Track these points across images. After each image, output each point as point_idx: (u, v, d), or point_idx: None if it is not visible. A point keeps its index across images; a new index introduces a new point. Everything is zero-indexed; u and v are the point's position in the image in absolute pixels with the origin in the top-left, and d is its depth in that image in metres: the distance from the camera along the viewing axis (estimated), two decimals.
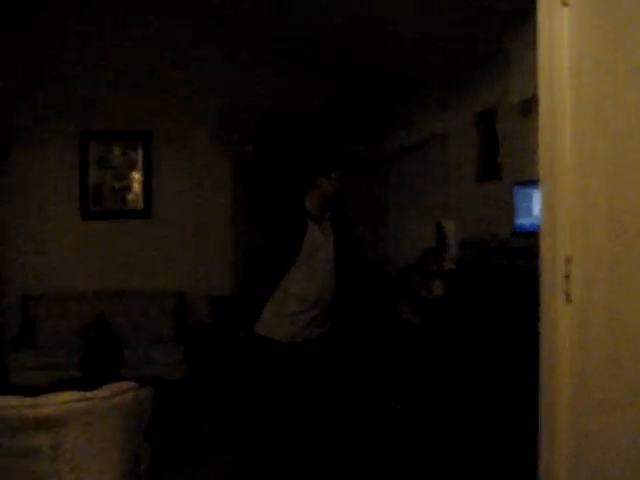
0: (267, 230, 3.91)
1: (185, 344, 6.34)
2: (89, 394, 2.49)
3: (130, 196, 7.09)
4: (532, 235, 3.57)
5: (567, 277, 1.99)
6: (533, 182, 3.85)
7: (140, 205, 7.08)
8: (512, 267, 3.52)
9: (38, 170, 6.84)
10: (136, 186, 7.09)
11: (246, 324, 3.81)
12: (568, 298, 1.98)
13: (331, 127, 7.17)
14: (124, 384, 2.60)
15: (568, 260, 1.98)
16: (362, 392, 4.95)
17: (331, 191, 3.75)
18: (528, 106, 4.27)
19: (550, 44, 2.09)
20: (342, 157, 3.90)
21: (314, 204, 3.77)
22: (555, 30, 2.05)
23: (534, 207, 3.81)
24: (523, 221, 3.97)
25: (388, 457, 4.29)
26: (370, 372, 4.92)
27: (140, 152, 7.05)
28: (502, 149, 4.78)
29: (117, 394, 2.54)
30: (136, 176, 7.08)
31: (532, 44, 3.81)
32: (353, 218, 4.09)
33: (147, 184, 7.06)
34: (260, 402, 3.80)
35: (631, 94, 1.74)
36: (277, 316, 3.72)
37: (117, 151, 7.05)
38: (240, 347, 3.87)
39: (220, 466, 4.57)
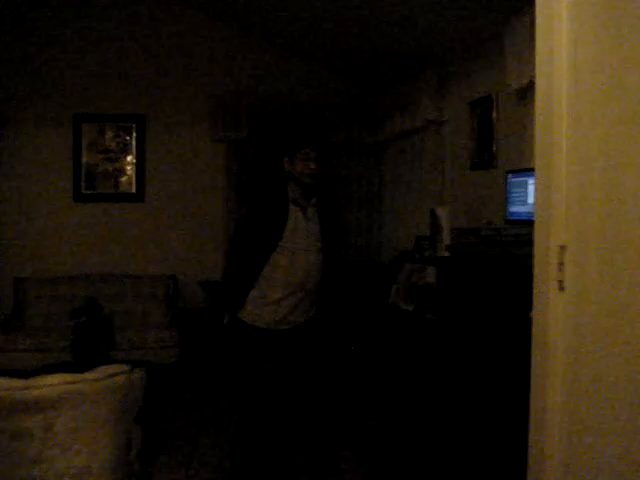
0: (250, 215, 3.89)
1: (177, 328, 6.35)
2: (80, 376, 2.49)
3: (123, 179, 7.07)
4: (526, 223, 3.58)
5: (560, 265, 1.99)
6: (528, 170, 3.86)
7: (133, 188, 7.07)
8: (505, 255, 3.52)
9: (30, 152, 6.82)
10: (129, 169, 7.07)
11: (230, 309, 3.81)
12: (561, 286, 1.99)
13: (325, 112, 7.16)
14: (116, 366, 2.60)
15: (562, 248, 1.98)
16: (349, 377, 4.97)
17: (299, 173, 3.70)
18: (524, 93, 4.27)
19: (548, 31, 2.07)
20: (306, 137, 3.84)
21: (293, 189, 3.75)
22: (553, 17, 2.04)
23: (528, 195, 3.82)
24: (517, 209, 3.98)
25: (375, 440, 4.31)
26: (359, 357, 4.93)
27: (133, 135, 7.03)
28: (497, 137, 4.77)
29: (108, 376, 2.54)
30: (129, 159, 7.05)
31: (529, 30, 3.81)
32: (342, 204, 4.08)
33: (140, 167, 7.05)
34: (247, 388, 3.80)
35: (629, 82, 1.73)
36: (262, 303, 3.71)
37: (110, 134, 7.03)
38: (224, 333, 3.85)
39: (212, 450, 4.59)
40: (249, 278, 3.73)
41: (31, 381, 2.39)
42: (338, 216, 4.03)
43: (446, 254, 4.25)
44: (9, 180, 6.78)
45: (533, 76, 2.19)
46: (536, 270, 2.12)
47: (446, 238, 4.31)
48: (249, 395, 3.78)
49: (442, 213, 4.36)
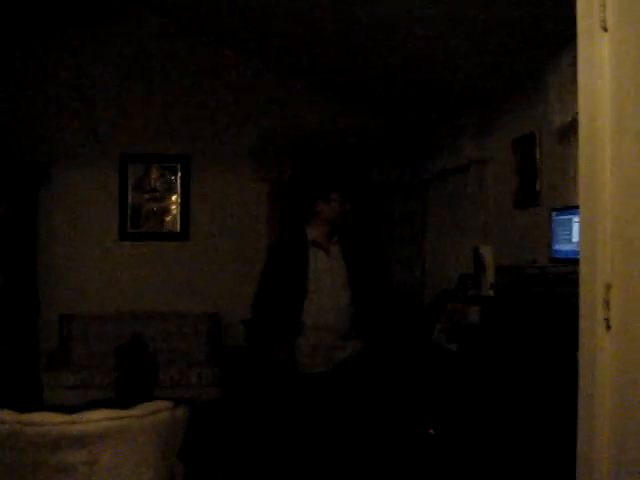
0: (272, 262, 3.91)
1: (220, 366, 6.36)
2: (124, 412, 2.51)
3: (168, 218, 7.17)
4: (571, 262, 3.53)
5: (607, 304, 1.96)
6: (572, 208, 3.82)
7: (177, 227, 7.16)
8: (550, 294, 3.48)
9: (78, 191, 6.96)
10: (174, 208, 7.16)
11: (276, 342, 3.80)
12: (608, 325, 1.95)
13: (369, 152, 7.19)
14: (159, 403, 2.62)
15: (608, 287, 1.96)
16: (394, 417, 4.91)
17: (333, 215, 3.71)
18: (567, 131, 4.24)
19: (590, 69, 2.07)
20: (339, 179, 3.86)
21: (319, 231, 3.74)
22: (595, 55, 2.04)
23: (573, 233, 3.77)
24: (561, 247, 3.94)
25: None
26: (403, 397, 4.88)
27: (178, 175, 7.13)
28: (541, 175, 4.74)
29: (152, 413, 2.56)
30: (174, 198, 7.15)
31: (572, 68, 3.80)
32: (382, 241, 4.07)
33: (185, 206, 7.14)
34: (288, 434, 3.79)
35: None
36: (296, 347, 3.70)
37: (155, 174, 7.15)
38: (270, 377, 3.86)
39: None
40: (277, 322, 3.74)
41: (76, 416, 2.42)
42: (367, 252, 4.02)
43: (490, 293, 4.21)
44: (57, 219, 6.91)
45: (576, 114, 2.19)
46: (582, 309, 2.09)
47: (490, 277, 4.28)
48: (288, 441, 3.76)
49: (486, 252, 4.33)
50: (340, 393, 3.78)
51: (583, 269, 2.09)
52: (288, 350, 3.66)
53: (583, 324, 2.08)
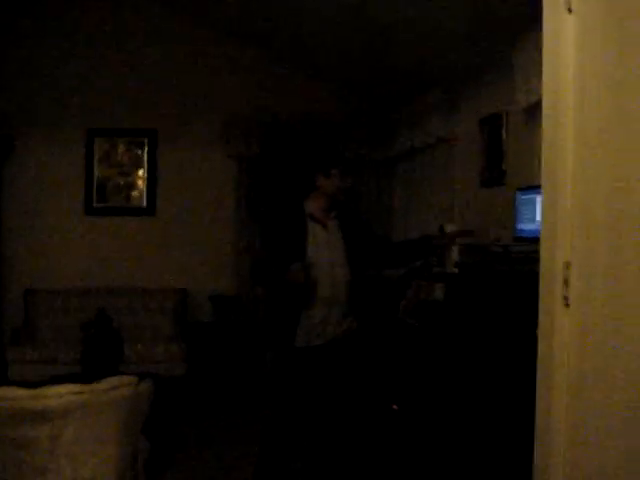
0: (269, 236, 3.92)
1: (186, 342, 6.36)
2: (87, 387, 2.51)
3: (134, 193, 7.12)
4: (534, 240, 3.58)
5: (566, 282, 1.99)
6: (536, 187, 3.86)
7: (144, 202, 7.11)
8: (513, 272, 3.52)
9: (43, 165, 6.88)
10: (140, 183, 7.11)
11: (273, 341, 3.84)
12: (566, 302, 1.99)
13: (337, 130, 7.19)
14: (123, 378, 2.62)
15: (567, 265, 1.99)
16: (361, 393, 4.95)
17: (333, 189, 3.75)
18: (533, 111, 4.28)
19: (554, 50, 2.09)
20: (339, 155, 3.90)
21: (318, 206, 3.77)
22: (560, 36, 2.06)
23: (537, 213, 3.82)
24: (525, 226, 3.98)
25: (382, 458, 4.29)
26: (366, 372, 4.92)
27: (145, 149, 7.08)
28: (507, 154, 4.78)
29: (116, 387, 2.56)
30: (140, 173, 7.10)
31: (537, 49, 3.83)
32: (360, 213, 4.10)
33: (151, 182, 7.09)
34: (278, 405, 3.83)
35: (634, 101, 1.74)
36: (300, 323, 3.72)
37: (122, 148, 7.08)
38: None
39: (217, 463, 4.59)
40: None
41: (39, 391, 2.42)
42: (365, 227, 4.05)
43: (454, 271, 4.25)
44: (21, 193, 6.83)
45: (541, 94, 2.20)
46: (542, 286, 2.12)
47: (455, 255, 4.32)
48: (278, 413, 3.80)
49: (451, 229, 4.37)
50: (330, 368, 3.81)
51: (543, 247, 2.13)
52: (303, 270, 3.60)
53: (543, 301, 2.12)
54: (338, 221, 3.81)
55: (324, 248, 3.70)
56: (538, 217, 3.79)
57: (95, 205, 7.03)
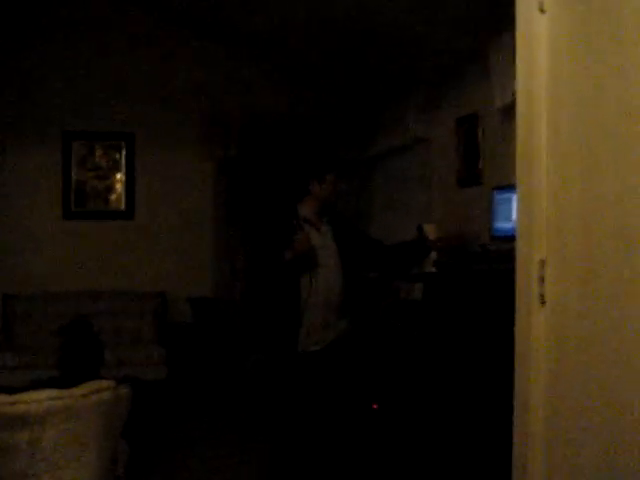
0: (259, 239, 3.92)
1: (165, 345, 6.34)
2: (67, 392, 2.50)
3: (112, 197, 7.08)
4: (511, 239, 3.61)
5: (541, 279, 2.02)
6: (512, 187, 3.89)
7: (122, 206, 7.07)
8: (491, 270, 3.55)
9: (20, 169, 6.81)
10: (118, 187, 7.08)
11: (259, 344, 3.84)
12: (542, 300, 2.01)
13: (315, 130, 7.19)
14: (102, 382, 2.61)
15: (543, 263, 2.01)
16: (344, 393, 4.96)
17: (326, 195, 3.76)
18: (509, 111, 4.31)
19: (528, 49, 2.12)
20: (333, 160, 3.92)
21: (311, 210, 3.78)
22: (533, 36, 2.09)
23: (513, 211, 3.85)
24: (502, 225, 4.01)
25: (364, 458, 4.30)
26: (354, 374, 4.94)
27: (123, 153, 7.04)
28: (483, 154, 4.81)
29: (95, 392, 2.55)
30: (118, 177, 7.07)
31: (512, 49, 3.86)
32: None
33: (129, 185, 7.05)
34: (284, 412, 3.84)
35: (606, 99, 1.77)
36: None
37: (100, 152, 7.04)
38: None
39: (200, 466, 4.58)
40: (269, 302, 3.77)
41: (18, 396, 2.40)
42: (358, 232, 4.07)
43: (433, 270, 4.28)
44: None
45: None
46: (518, 284, 2.14)
47: (433, 254, 4.34)
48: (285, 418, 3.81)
49: (429, 229, 4.39)
50: (330, 372, 3.81)
51: (519, 245, 2.15)
52: (306, 239, 3.60)
53: (519, 299, 2.14)
54: (330, 226, 3.82)
55: (319, 251, 3.71)
56: (514, 216, 3.82)
57: (73, 209, 6.97)
